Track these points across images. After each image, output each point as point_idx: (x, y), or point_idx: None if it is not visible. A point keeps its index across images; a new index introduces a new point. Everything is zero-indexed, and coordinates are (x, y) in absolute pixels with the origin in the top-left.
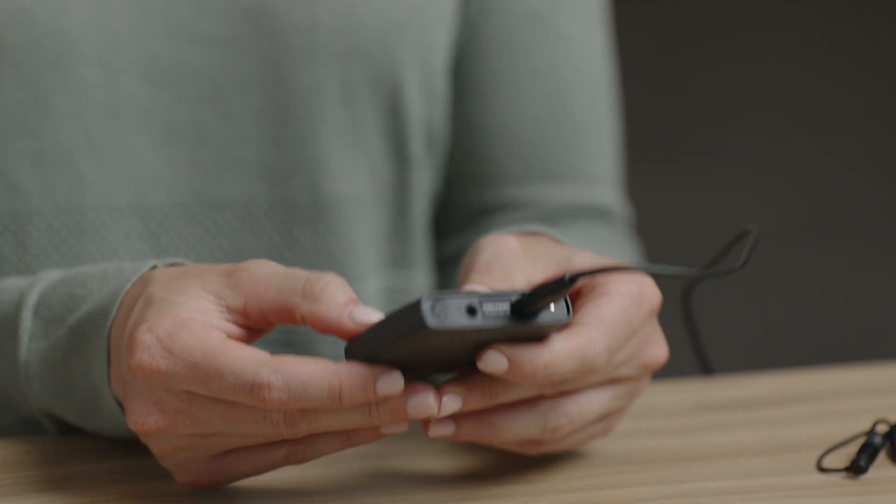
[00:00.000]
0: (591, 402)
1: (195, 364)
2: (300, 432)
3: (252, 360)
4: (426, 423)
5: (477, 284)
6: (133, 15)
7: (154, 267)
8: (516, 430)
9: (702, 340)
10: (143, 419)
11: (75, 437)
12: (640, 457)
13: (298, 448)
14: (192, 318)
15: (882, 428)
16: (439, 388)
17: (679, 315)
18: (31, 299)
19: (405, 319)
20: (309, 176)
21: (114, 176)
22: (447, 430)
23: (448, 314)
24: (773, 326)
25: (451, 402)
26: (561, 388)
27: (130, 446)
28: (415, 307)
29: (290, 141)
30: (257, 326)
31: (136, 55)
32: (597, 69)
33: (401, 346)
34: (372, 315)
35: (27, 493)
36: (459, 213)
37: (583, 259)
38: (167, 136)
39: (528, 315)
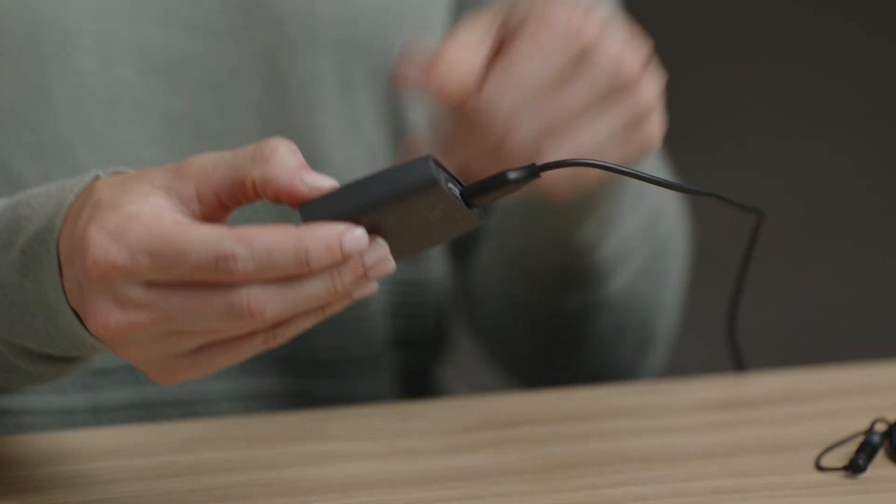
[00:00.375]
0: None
1: (154, 251)
2: (267, 317)
3: (213, 234)
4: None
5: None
6: (129, 5)
7: (98, 177)
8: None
9: (737, 338)
10: (104, 320)
11: (72, 437)
12: (639, 455)
13: (274, 331)
14: (140, 211)
15: (881, 427)
16: None
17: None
18: None
19: (404, 177)
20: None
21: (112, 166)
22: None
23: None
24: (772, 326)
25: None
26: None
27: (126, 449)
28: (420, 164)
29: (288, 131)
30: (213, 214)
31: (132, 46)
32: None
33: (378, 211)
34: (324, 180)
35: (24, 492)
36: None
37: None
38: (165, 127)
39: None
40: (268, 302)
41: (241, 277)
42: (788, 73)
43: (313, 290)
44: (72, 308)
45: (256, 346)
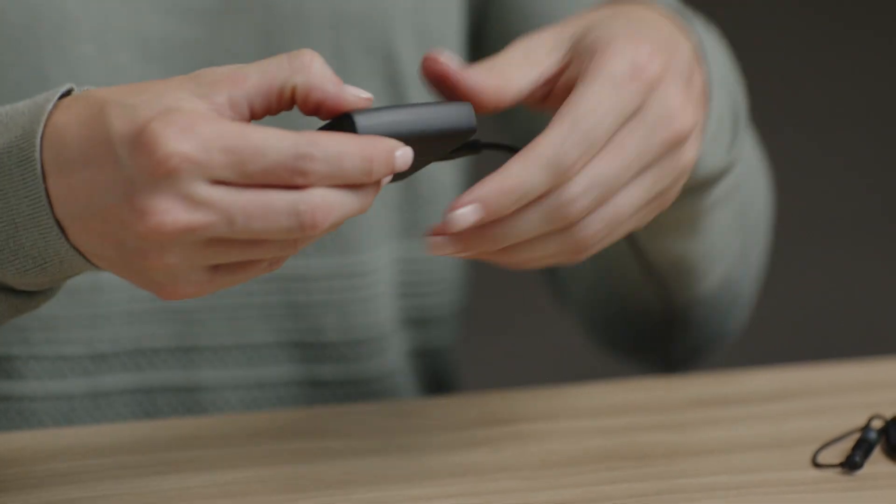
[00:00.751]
0: (621, 200)
1: (229, 147)
2: (324, 226)
3: (288, 135)
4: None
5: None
6: None
7: (71, 89)
8: (536, 250)
9: None
10: (163, 218)
11: (70, 433)
12: (634, 452)
13: (279, 255)
14: (201, 110)
15: (877, 423)
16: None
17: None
18: None
19: (449, 117)
20: None
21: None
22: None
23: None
24: (769, 322)
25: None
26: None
27: (125, 445)
28: (464, 109)
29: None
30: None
31: (128, 31)
32: None
33: (419, 138)
34: (364, 92)
35: (21, 489)
36: None
37: (599, 33)
38: None
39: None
40: (330, 210)
41: (314, 180)
42: (785, 70)
43: (364, 202)
44: (56, 219)
45: (262, 270)
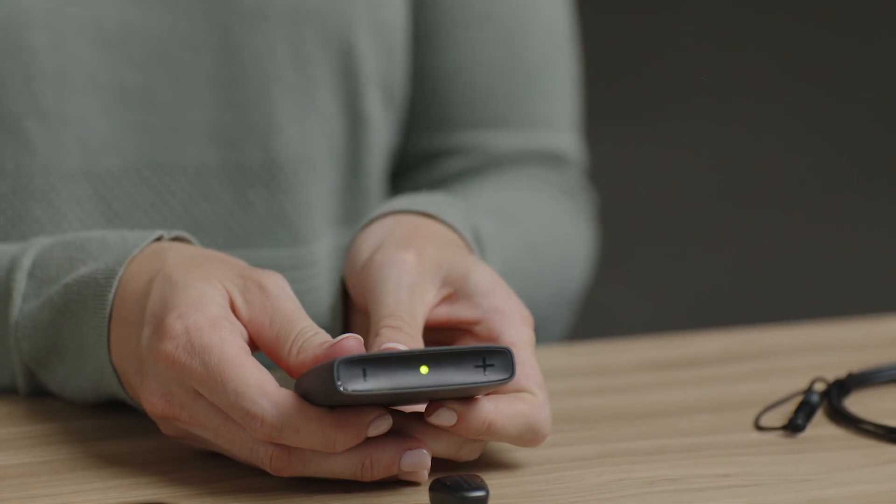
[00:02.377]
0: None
1: (208, 366)
2: (283, 474)
3: (256, 387)
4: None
5: (392, 343)
6: None
7: (161, 237)
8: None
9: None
10: (154, 401)
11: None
12: (579, 415)
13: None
14: (223, 318)
15: (819, 386)
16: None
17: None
18: (26, 262)
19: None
20: (261, 138)
21: (63, 140)
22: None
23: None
24: (715, 286)
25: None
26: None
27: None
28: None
29: (242, 104)
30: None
31: (83, 18)
32: (553, 14)
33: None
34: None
35: None
36: (411, 157)
37: (479, 277)
38: (117, 99)
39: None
40: (286, 467)
41: (261, 438)
42: (738, 31)
43: (336, 467)
44: (112, 365)
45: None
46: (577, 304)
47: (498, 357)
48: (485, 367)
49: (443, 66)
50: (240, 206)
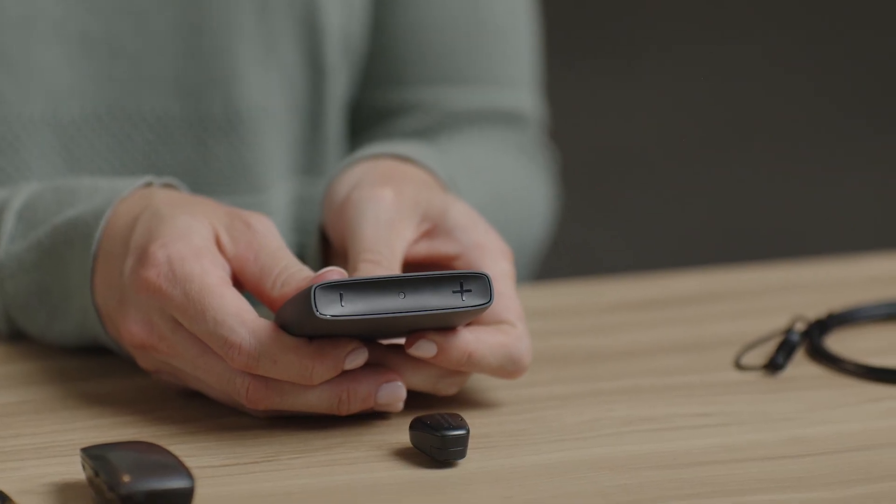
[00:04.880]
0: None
1: (188, 294)
2: (258, 408)
3: (235, 315)
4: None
5: (371, 265)
6: None
7: (149, 184)
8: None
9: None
10: (134, 330)
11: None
12: (554, 354)
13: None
14: (206, 249)
15: (800, 326)
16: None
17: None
18: (16, 203)
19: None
20: (223, 88)
21: (27, 89)
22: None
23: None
24: (693, 226)
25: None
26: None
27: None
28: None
29: (204, 54)
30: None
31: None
32: None
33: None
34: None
35: None
36: (368, 113)
37: (457, 213)
38: (81, 48)
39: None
40: (263, 399)
41: (238, 367)
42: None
43: (314, 399)
44: (94, 305)
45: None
46: (535, 261)
47: (475, 282)
48: (462, 291)
49: (404, 21)
50: (200, 154)
